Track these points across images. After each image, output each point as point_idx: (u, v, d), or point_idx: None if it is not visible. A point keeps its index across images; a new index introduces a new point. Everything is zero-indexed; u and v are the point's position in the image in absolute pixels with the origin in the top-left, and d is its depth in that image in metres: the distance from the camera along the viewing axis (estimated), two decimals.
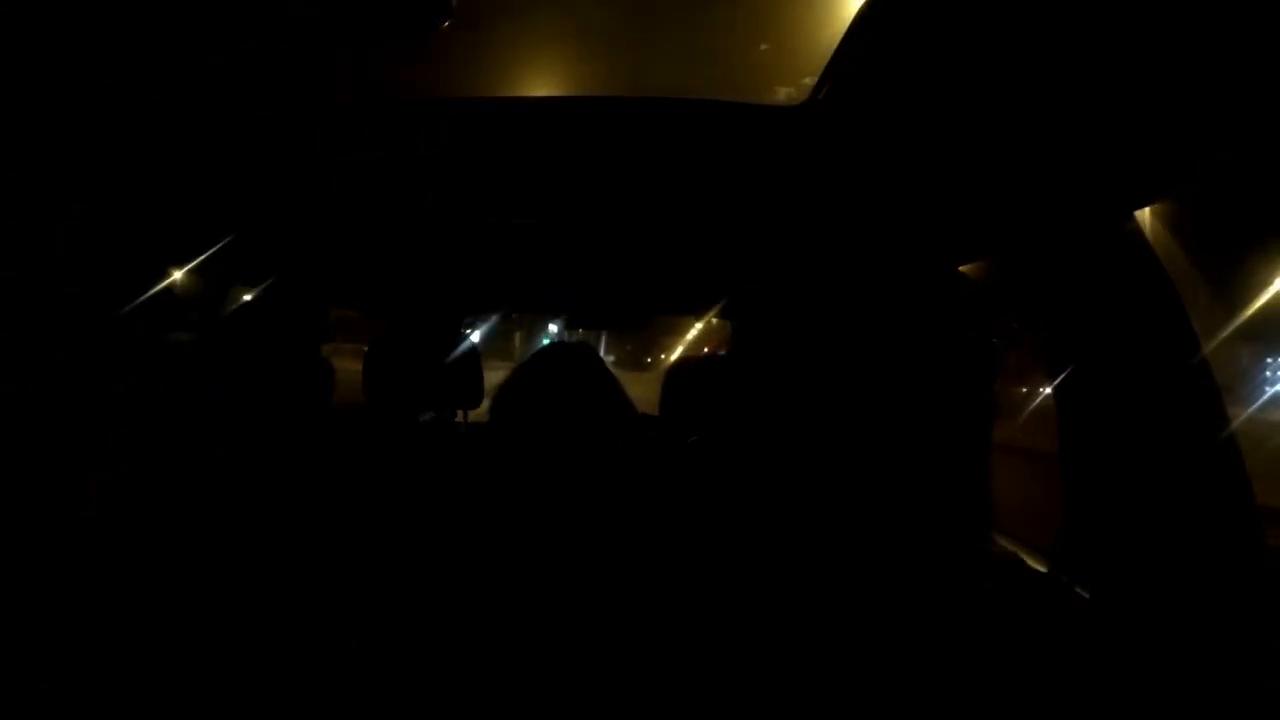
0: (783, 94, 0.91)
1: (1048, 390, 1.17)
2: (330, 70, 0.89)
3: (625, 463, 1.08)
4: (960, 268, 1.33)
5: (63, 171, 1.13)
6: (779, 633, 0.96)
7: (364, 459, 1.35)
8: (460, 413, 2.07)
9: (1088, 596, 1.07)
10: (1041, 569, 1.25)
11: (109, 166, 1.14)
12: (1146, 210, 1.06)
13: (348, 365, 1.95)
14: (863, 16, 0.72)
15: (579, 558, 0.98)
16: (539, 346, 1.23)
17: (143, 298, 1.36)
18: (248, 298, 1.79)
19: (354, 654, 0.95)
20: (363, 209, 1.44)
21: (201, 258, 1.73)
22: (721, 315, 2.45)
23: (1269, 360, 12.19)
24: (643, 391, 1.44)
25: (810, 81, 0.88)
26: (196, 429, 1.24)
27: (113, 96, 0.92)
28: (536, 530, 0.99)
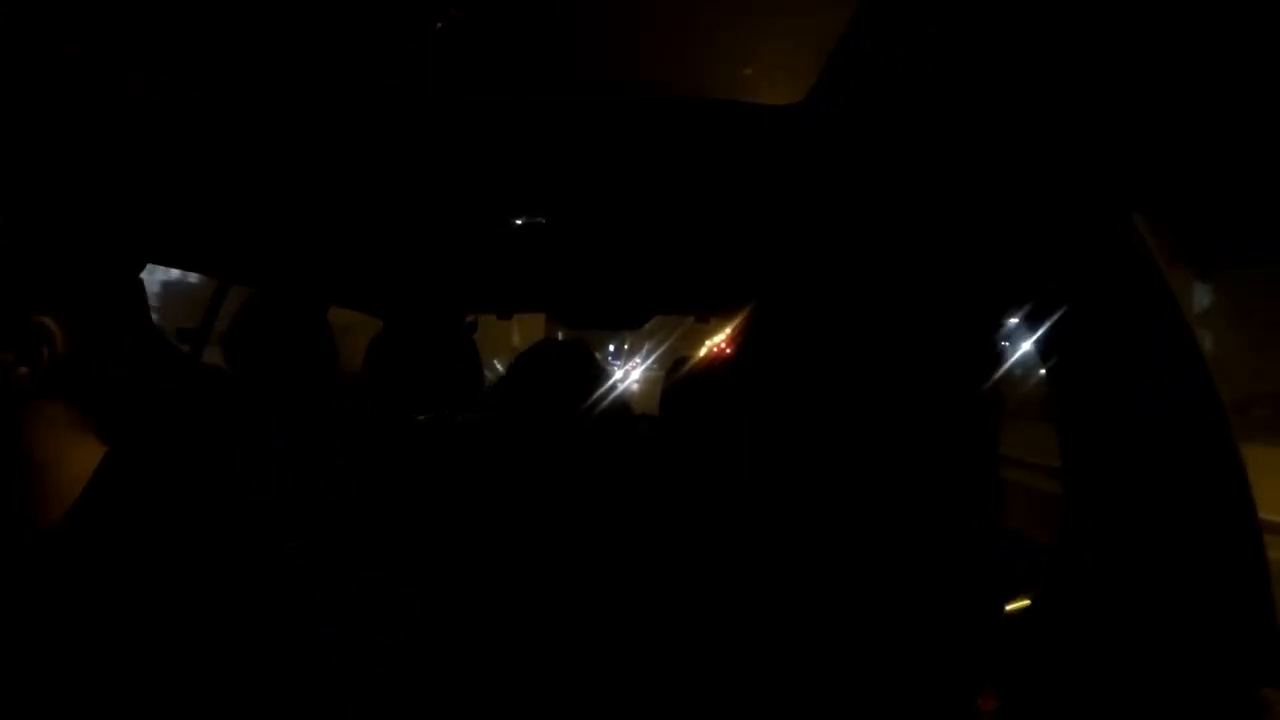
0: (782, 94, 0.91)
1: None
2: (331, 70, 0.89)
3: (620, 459, 1.08)
4: (958, 268, 1.33)
5: (62, 171, 1.13)
6: (781, 634, 0.96)
7: (365, 457, 1.35)
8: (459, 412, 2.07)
9: (1087, 596, 1.07)
10: (1041, 569, 1.25)
11: (108, 166, 1.14)
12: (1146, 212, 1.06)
13: None
14: (860, 17, 0.72)
15: (571, 555, 0.98)
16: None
17: (142, 297, 1.35)
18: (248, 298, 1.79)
19: (351, 652, 0.95)
20: (363, 209, 1.44)
21: (200, 258, 1.74)
22: (723, 316, 2.46)
23: None
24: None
25: (810, 81, 0.89)
26: (196, 429, 1.24)
27: (112, 96, 0.92)
28: (528, 526, 1.00)
